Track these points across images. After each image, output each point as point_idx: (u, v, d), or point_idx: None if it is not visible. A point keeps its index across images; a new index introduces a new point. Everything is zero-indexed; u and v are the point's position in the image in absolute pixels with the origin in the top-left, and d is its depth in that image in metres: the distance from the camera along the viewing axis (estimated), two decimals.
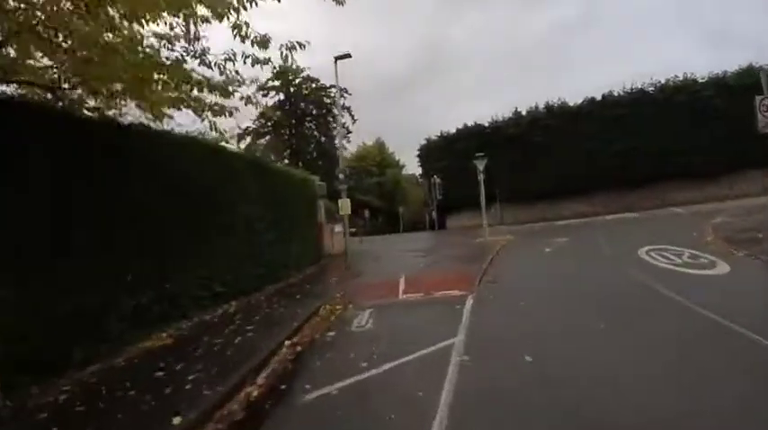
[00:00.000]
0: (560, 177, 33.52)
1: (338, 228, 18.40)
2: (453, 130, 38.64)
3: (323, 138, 41.81)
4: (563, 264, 12.17)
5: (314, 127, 41.78)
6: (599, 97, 33.55)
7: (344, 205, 15.35)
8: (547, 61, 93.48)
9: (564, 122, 33.63)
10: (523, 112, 35.98)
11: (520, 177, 34.19)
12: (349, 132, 41.08)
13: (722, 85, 30.96)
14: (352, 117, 41.08)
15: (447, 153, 37.46)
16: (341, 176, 14.89)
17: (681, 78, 32.55)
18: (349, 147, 44.50)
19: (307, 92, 40.87)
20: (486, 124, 37.07)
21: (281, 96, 40.68)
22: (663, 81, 32.69)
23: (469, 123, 37.93)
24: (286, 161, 34.14)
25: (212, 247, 9.64)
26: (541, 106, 35.31)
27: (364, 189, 53.51)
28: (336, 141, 31.85)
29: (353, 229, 47.32)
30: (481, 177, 17.86)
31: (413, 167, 68.79)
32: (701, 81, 32.07)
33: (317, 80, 40.35)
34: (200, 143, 10.00)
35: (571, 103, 34.40)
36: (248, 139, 38.49)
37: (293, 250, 13.59)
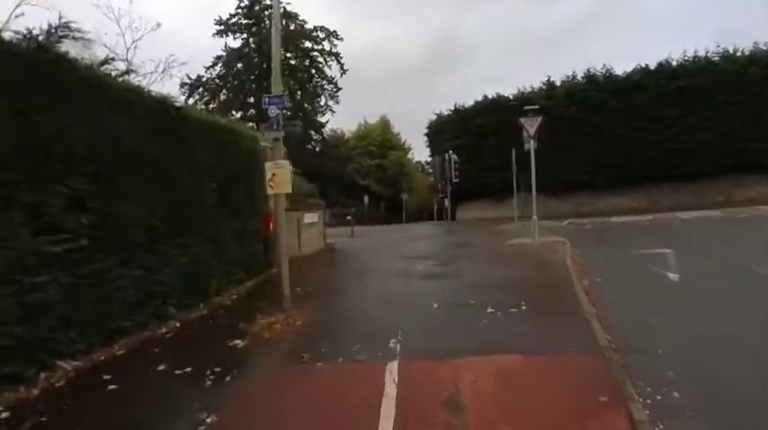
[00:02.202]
0: (599, 163, 27.43)
1: (310, 217, 12.60)
2: (471, 103, 32.49)
3: (299, 94, 30.48)
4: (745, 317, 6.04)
5: (292, 83, 30.01)
6: (653, 65, 27.16)
7: (280, 177, 7.56)
8: (566, 51, 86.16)
9: (608, 96, 27.38)
10: (557, 82, 29.71)
11: (550, 162, 27.99)
12: (338, 89, 31.06)
13: None
14: (342, 67, 30.94)
15: (462, 131, 31.30)
16: (272, 111, 7.44)
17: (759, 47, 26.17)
18: (337, 109, 32.99)
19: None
20: (511, 96, 30.81)
21: (250, 41, 29.93)
22: (732, 50, 26.32)
23: (490, 94, 31.71)
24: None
25: None
26: (580, 75, 28.99)
27: (364, 172, 47.52)
28: (323, 102, 24.85)
29: (348, 217, 41.71)
30: (532, 146, 11.57)
31: (419, 154, 63.13)
32: None
33: (296, 16, 29.62)
34: None
35: (619, 72, 28.05)
36: (205, 95, 28.16)
37: (195, 266, 7.77)
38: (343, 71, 29.07)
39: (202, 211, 8.13)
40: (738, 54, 26.14)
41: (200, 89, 25.89)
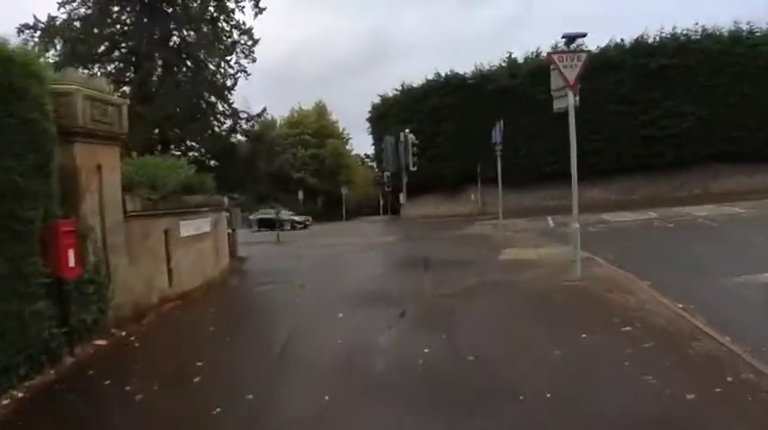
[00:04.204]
0: (568, 151, 23.96)
1: (192, 225, 7.24)
2: (420, 82, 27.97)
3: (191, 34, 19.12)
4: None
5: (186, 34, 19.08)
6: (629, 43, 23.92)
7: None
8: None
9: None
10: (520, 60, 25.84)
11: (513, 148, 24.18)
12: (254, 42, 19.94)
13: None
14: (257, 3, 19.65)
15: (411, 113, 26.76)
16: None
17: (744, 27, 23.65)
18: (251, 68, 21.18)
19: None
20: (469, 73, 26.64)
21: None
22: (711, 29, 23.64)
23: (444, 72, 27.36)
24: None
25: None
26: (545, 51, 25.24)
27: (298, 163, 41.83)
28: (233, 60, 17.85)
29: (295, 215, 36.27)
30: (571, 103, 6.61)
31: (359, 148, 58.46)
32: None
33: None
34: None
35: (592, 48, 24.57)
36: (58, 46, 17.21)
37: None
38: (259, 10, 19.14)
39: None
40: (719, 33, 23.52)
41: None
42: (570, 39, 6.29)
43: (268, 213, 26.49)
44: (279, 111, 47.24)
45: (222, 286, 7.99)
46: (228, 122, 17.87)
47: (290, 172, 40.63)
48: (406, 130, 14.95)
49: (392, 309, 5.30)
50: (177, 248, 7.11)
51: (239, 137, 18.27)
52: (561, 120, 22.36)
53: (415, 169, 15.14)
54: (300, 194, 37.53)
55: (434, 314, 5.13)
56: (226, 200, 10.13)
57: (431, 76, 27.42)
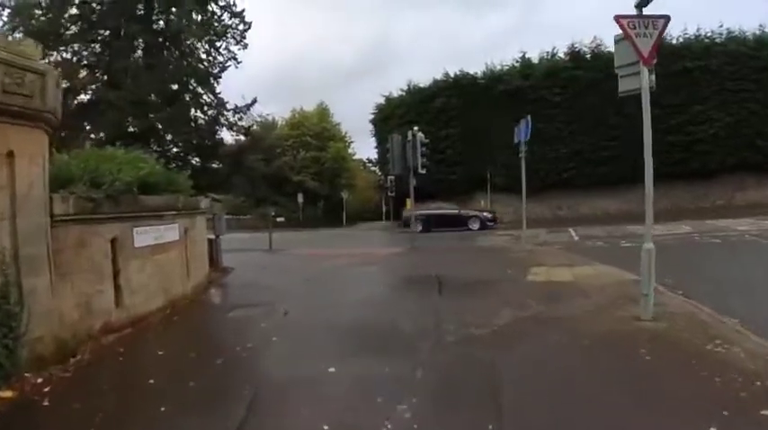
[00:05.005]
0: (585, 157, 22.45)
1: (153, 232, 5.76)
2: (428, 83, 26.50)
3: (172, 12, 15.82)
4: None
5: (171, 15, 15.99)
6: None
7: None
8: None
9: (597, 76, 22.38)
10: (535, 60, 24.35)
11: (527, 153, 22.72)
12: (246, 27, 17.33)
13: None
14: None
15: (417, 114, 25.14)
16: None
17: None
18: (242, 56, 20.31)
19: None
20: (480, 74, 25.18)
21: None
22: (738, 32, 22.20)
23: (453, 71, 25.89)
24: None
25: None
26: (563, 50, 23.80)
27: (298, 166, 40.31)
28: (222, 46, 15.83)
29: (280, 218, 34.49)
30: (644, 81, 5.16)
31: (360, 152, 57.26)
32: None
33: None
34: None
35: (611, 47, 23.07)
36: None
37: None
38: None
39: None
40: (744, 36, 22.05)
41: None
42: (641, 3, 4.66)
43: (443, 208, 21.40)
44: (280, 116, 45.54)
45: (190, 307, 6.47)
46: (213, 113, 16.10)
47: (289, 174, 39.16)
48: (415, 128, 13.47)
49: (402, 363, 3.78)
50: (130, 261, 5.62)
51: (227, 131, 16.61)
52: (579, 124, 20.82)
53: (424, 172, 13.65)
54: (300, 197, 36.09)
55: (466, 376, 3.59)
56: (206, 202, 8.62)
57: (439, 76, 25.98)
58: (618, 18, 4.69)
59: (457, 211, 19.29)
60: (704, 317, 4.80)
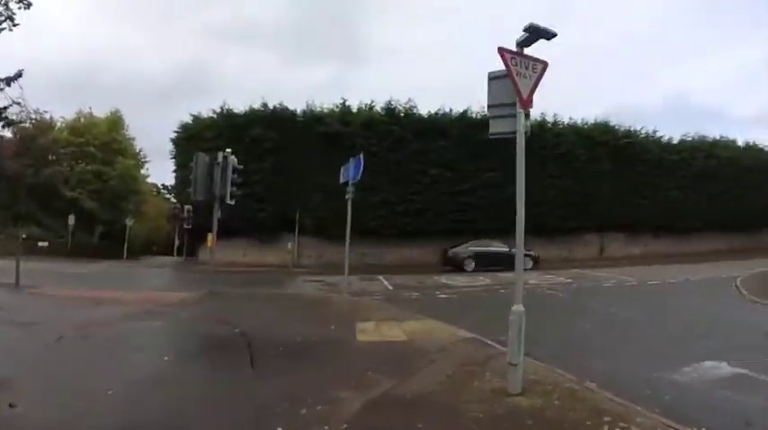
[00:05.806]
0: (392, 208, 23.37)
1: None
2: (248, 107, 24.53)
3: None
4: None
5: None
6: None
7: None
8: None
9: (407, 136, 23.76)
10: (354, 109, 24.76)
11: (339, 198, 22.54)
12: None
13: None
14: None
15: (230, 141, 22.75)
16: None
17: None
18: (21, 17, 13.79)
19: None
20: (300, 112, 24.46)
21: None
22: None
23: (272, 104, 24.61)
24: None
25: None
26: (379, 105, 24.76)
27: (74, 179, 32.52)
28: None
29: (43, 243, 27.26)
30: (520, 126, 4.57)
31: (156, 177, 50.96)
32: None
33: None
34: None
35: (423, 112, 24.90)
36: None
37: None
38: None
39: None
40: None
41: None
42: (534, 33, 4.20)
43: (492, 245, 19.96)
44: (61, 117, 36.37)
45: None
46: None
47: (62, 188, 31.32)
48: (227, 151, 11.56)
49: None
50: None
51: None
52: (389, 175, 21.26)
53: (233, 202, 11.69)
54: (71, 219, 28.92)
55: None
56: None
57: (256, 105, 24.34)
58: (501, 51, 4.15)
59: (507, 250, 17.90)
60: (572, 385, 4.33)
